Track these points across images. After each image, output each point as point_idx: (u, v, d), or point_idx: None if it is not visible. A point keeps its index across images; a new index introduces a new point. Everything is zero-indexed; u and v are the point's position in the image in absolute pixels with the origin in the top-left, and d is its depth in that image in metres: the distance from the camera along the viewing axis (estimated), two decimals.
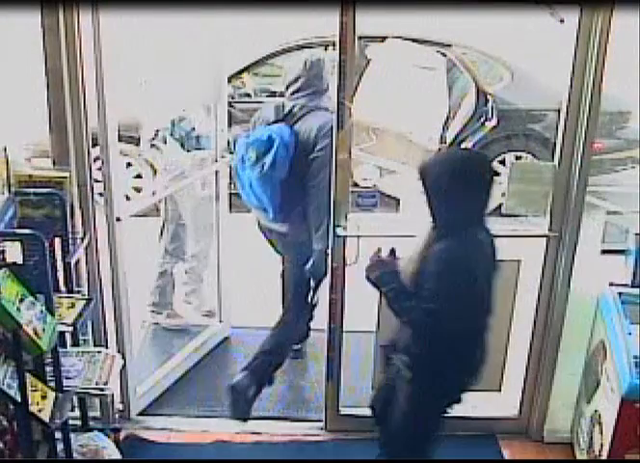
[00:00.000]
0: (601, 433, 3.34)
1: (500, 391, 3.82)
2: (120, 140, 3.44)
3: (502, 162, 6.49)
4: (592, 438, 3.45)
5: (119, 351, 3.53)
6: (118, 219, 3.48)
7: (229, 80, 6.49)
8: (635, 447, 3.22)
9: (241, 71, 6.56)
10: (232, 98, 6.48)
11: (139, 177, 6.31)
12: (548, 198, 3.42)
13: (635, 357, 3.14)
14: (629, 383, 3.11)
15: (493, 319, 2.90)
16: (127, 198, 5.95)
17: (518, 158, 6.45)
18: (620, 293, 3.45)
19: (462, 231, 2.74)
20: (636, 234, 3.43)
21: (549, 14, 5.91)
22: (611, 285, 3.51)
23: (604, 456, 3.29)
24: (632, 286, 3.46)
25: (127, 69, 3.65)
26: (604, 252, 3.53)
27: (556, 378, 3.71)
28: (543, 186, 3.40)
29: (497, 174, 2.90)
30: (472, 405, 3.88)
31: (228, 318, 4.65)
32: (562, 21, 5.55)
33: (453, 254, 2.71)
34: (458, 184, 2.71)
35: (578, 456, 3.64)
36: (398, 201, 3.57)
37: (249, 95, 6.64)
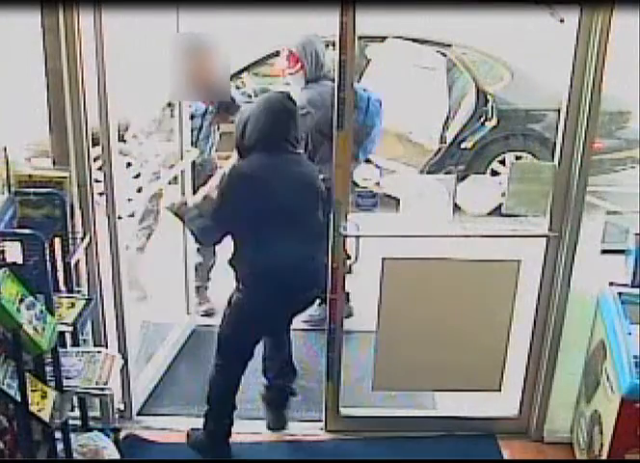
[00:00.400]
0: (601, 433, 3.34)
1: (500, 391, 3.82)
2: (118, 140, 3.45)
3: (502, 162, 6.50)
4: (592, 438, 3.45)
5: (118, 351, 3.53)
6: (119, 217, 3.49)
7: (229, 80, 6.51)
8: (635, 447, 3.22)
9: (241, 71, 6.57)
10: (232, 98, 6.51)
11: (138, 176, 6.31)
12: (548, 198, 3.42)
13: (635, 357, 3.14)
14: (629, 383, 3.11)
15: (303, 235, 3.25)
16: (128, 199, 5.99)
17: (518, 158, 6.46)
18: (620, 293, 3.45)
19: (255, 153, 3.24)
20: (636, 234, 3.43)
21: (549, 14, 5.91)
22: (611, 285, 3.51)
23: (604, 456, 3.29)
24: (632, 286, 3.46)
25: (127, 69, 3.65)
26: (604, 252, 3.53)
27: (556, 378, 3.71)
28: (543, 186, 3.40)
29: (293, 106, 3.33)
30: (472, 405, 3.91)
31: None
32: (562, 21, 5.55)
33: (237, 169, 3.24)
34: (255, 116, 3.24)
35: (578, 456, 3.64)
36: (398, 201, 3.58)
37: (249, 96, 6.64)
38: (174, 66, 3.75)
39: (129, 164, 6.17)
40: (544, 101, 6.19)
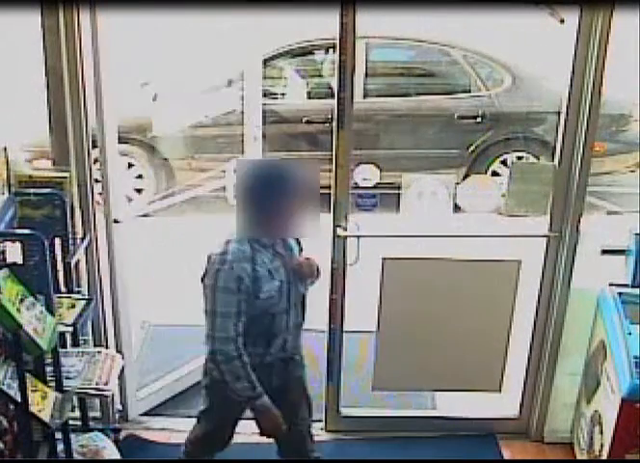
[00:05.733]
0: (601, 433, 3.34)
1: (500, 391, 3.82)
2: (126, 141, 3.43)
3: (504, 162, 6.50)
4: (592, 438, 3.45)
5: (118, 352, 3.53)
6: (115, 221, 3.47)
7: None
8: (635, 447, 3.22)
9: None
10: None
11: (140, 177, 6.32)
12: (548, 198, 3.42)
13: (635, 357, 3.14)
14: (629, 383, 3.11)
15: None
16: (129, 199, 5.99)
17: (519, 158, 6.46)
18: (620, 293, 3.44)
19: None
20: (636, 234, 3.43)
21: (549, 15, 5.91)
22: (611, 285, 3.51)
23: (604, 456, 3.29)
24: (632, 286, 3.46)
25: (128, 70, 3.64)
26: (604, 252, 3.53)
27: (556, 378, 3.71)
28: (543, 186, 3.40)
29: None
30: (472, 405, 3.91)
31: None
32: (562, 21, 5.55)
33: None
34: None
35: (578, 456, 3.64)
36: (398, 201, 3.60)
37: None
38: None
39: (131, 165, 6.20)
40: (545, 104, 6.19)
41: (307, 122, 6.25)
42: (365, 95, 6.27)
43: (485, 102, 6.51)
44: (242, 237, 2.71)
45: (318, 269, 2.93)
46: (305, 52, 6.64)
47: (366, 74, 6.30)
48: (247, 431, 3.81)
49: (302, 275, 2.86)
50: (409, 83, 6.67)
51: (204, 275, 2.71)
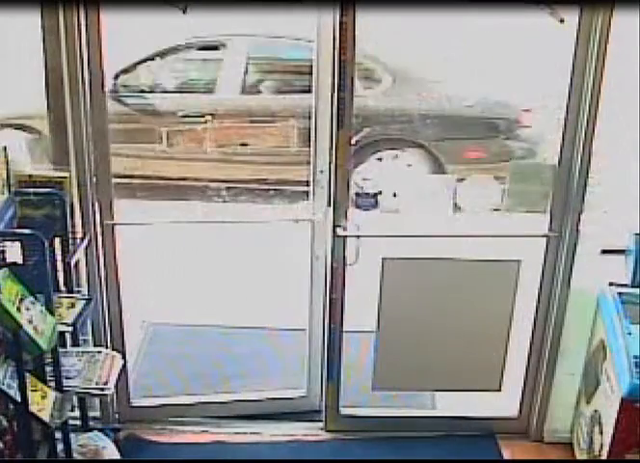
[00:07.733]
0: (601, 433, 3.34)
1: (500, 391, 3.82)
2: None
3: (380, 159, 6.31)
4: (592, 438, 3.45)
5: (118, 351, 3.53)
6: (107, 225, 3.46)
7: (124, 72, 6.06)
8: (635, 447, 3.22)
9: (135, 65, 6.15)
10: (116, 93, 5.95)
11: None
12: (548, 198, 3.42)
13: (635, 357, 3.14)
14: (629, 383, 3.11)
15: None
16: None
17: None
18: (620, 293, 3.44)
19: None
20: (636, 234, 3.43)
21: (549, 14, 5.91)
22: (611, 285, 3.51)
23: (604, 456, 3.29)
24: (632, 286, 3.46)
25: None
26: (604, 252, 3.53)
27: (556, 378, 3.71)
28: (543, 186, 3.41)
29: None
30: (472, 405, 3.91)
31: None
32: (562, 21, 5.55)
33: None
34: None
35: (578, 456, 3.64)
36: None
37: (143, 91, 6.22)
38: None
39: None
40: (426, 106, 6.04)
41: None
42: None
43: (361, 102, 6.28)
44: None
45: None
46: None
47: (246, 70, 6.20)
48: (247, 431, 3.85)
49: None
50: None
51: None
